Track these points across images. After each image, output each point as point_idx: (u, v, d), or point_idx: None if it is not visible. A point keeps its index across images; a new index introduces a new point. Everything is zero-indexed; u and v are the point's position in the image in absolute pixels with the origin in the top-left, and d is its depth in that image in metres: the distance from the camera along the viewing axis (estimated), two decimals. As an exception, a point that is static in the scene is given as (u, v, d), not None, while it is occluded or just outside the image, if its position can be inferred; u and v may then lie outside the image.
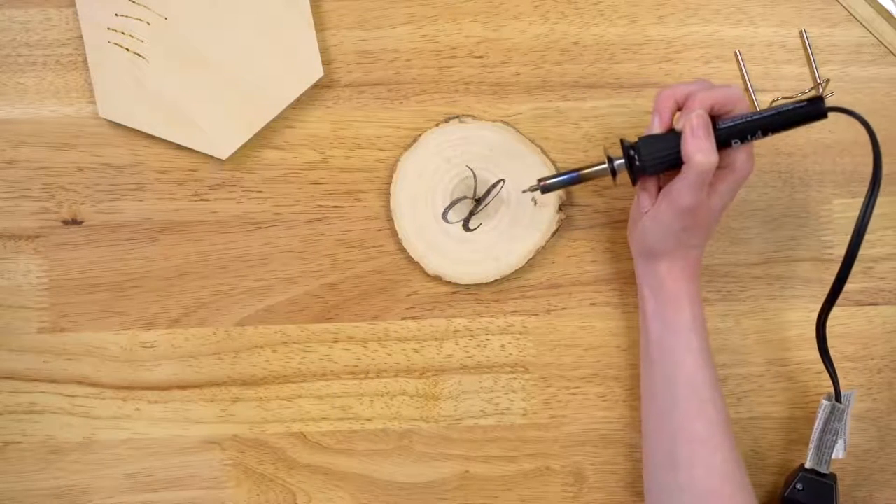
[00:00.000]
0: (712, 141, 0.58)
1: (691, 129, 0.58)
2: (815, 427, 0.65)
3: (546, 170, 0.68)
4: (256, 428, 0.69)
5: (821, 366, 0.67)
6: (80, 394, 0.69)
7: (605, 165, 0.62)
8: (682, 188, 0.59)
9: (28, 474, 0.69)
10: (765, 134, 0.59)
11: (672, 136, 0.59)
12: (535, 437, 0.69)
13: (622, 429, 0.69)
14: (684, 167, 0.58)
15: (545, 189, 0.63)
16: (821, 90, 0.68)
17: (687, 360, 0.62)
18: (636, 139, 0.61)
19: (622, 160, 0.61)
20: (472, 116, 0.68)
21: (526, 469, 0.69)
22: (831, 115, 0.58)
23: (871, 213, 0.59)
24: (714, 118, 0.59)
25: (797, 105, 0.58)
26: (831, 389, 0.65)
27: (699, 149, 0.57)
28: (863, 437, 0.69)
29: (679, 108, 0.60)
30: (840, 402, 0.64)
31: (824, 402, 0.65)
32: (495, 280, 0.68)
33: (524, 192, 0.67)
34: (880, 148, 0.58)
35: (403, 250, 0.69)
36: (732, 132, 0.59)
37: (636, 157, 0.60)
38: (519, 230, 0.68)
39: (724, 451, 0.61)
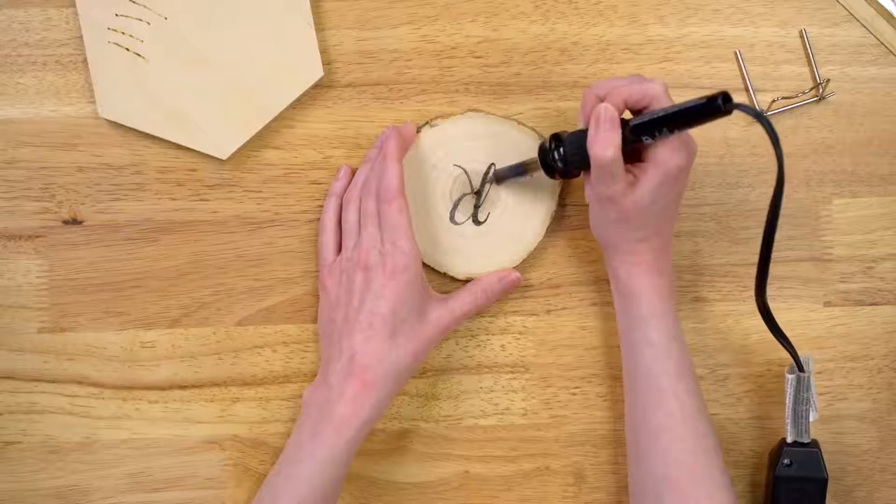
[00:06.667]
0: (614, 135, 0.58)
1: (595, 123, 0.58)
2: (787, 402, 0.63)
3: (523, 136, 0.67)
4: (256, 428, 0.69)
5: (822, 365, 0.67)
6: (80, 394, 0.69)
7: (537, 159, 0.63)
8: (593, 179, 0.60)
9: (28, 474, 0.69)
10: (671, 131, 0.57)
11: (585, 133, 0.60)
12: (535, 437, 0.69)
13: (622, 429, 0.69)
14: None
15: (497, 177, 0.67)
16: (821, 90, 0.68)
17: (646, 352, 0.62)
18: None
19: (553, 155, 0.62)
20: (441, 117, 0.68)
21: (526, 469, 0.69)
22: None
23: (780, 203, 0.57)
24: (635, 114, 0.60)
25: (697, 101, 0.55)
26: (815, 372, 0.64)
27: (596, 141, 0.58)
28: (863, 437, 0.69)
29: None
30: (804, 371, 0.63)
31: (789, 376, 0.63)
32: (524, 259, 0.68)
33: (483, 183, 0.67)
34: (781, 147, 0.55)
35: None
36: (639, 128, 0.58)
37: (558, 153, 0.61)
38: (527, 204, 0.68)
39: (684, 441, 0.60)
